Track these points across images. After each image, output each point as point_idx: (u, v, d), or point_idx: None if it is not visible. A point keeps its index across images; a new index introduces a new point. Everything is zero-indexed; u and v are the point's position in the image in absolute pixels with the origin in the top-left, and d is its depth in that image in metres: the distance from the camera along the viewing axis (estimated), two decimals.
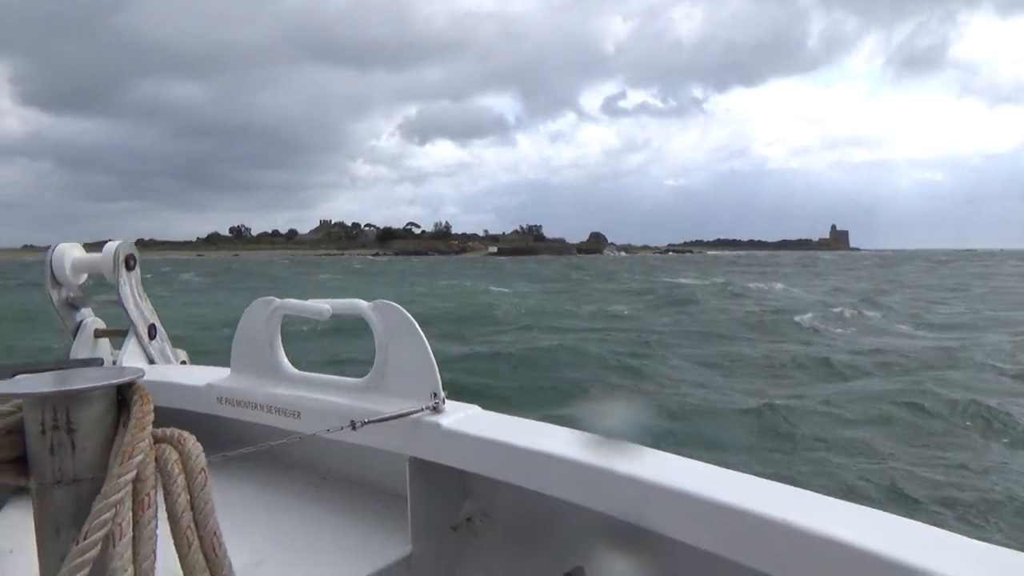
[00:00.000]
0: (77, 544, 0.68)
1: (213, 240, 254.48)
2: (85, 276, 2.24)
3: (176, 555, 0.76)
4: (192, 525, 0.77)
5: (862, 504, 1.02)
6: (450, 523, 1.56)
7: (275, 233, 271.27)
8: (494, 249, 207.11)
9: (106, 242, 2.24)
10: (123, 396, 0.79)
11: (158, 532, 0.74)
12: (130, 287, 2.20)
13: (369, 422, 1.36)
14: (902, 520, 0.97)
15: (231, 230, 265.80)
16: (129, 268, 2.20)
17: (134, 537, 0.71)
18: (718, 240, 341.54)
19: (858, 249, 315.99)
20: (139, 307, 2.22)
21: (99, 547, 0.68)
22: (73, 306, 2.23)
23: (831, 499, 1.05)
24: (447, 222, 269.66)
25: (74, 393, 0.73)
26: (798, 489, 1.09)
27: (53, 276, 2.18)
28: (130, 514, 0.72)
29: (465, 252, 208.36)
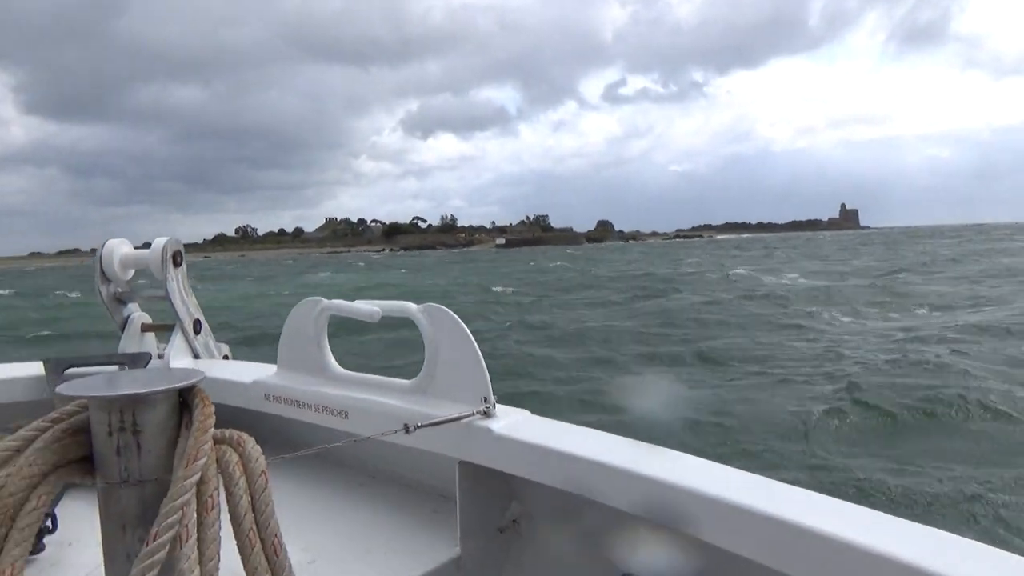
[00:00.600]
0: (147, 545, 0.70)
1: (220, 241, 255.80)
2: (133, 272, 2.27)
3: (238, 556, 0.78)
4: (254, 527, 0.78)
5: (902, 517, 1.03)
6: (496, 525, 1.57)
7: (281, 232, 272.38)
8: (502, 241, 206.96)
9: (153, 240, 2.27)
10: (184, 398, 0.81)
11: (220, 534, 0.76)
12: (177, 282, 2.22)
13: (422, 426, 1.38)
14: (939, 532, 0.99)
15: (237, 231, 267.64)
16: (176, 264, 2.22)
17: (199, 538, 0.73)
18: (727, 224, 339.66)
19: (868, 228, 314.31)
20: (185, 302, 2.24)
21: (167, 548, 0.70)
22: (121, 301, 2.26)
23: (870, 510, 1.06)
24: (453, 215, 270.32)
25: (140, 396, 0.75)
26: (836, 499, 1.11)
27: (102, 271, 2.21)
28: (195, 516, 0.73)
29: (473, 245, 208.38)
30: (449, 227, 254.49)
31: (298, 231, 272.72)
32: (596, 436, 1.43)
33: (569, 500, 1.35)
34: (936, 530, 0.99)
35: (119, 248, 2.23)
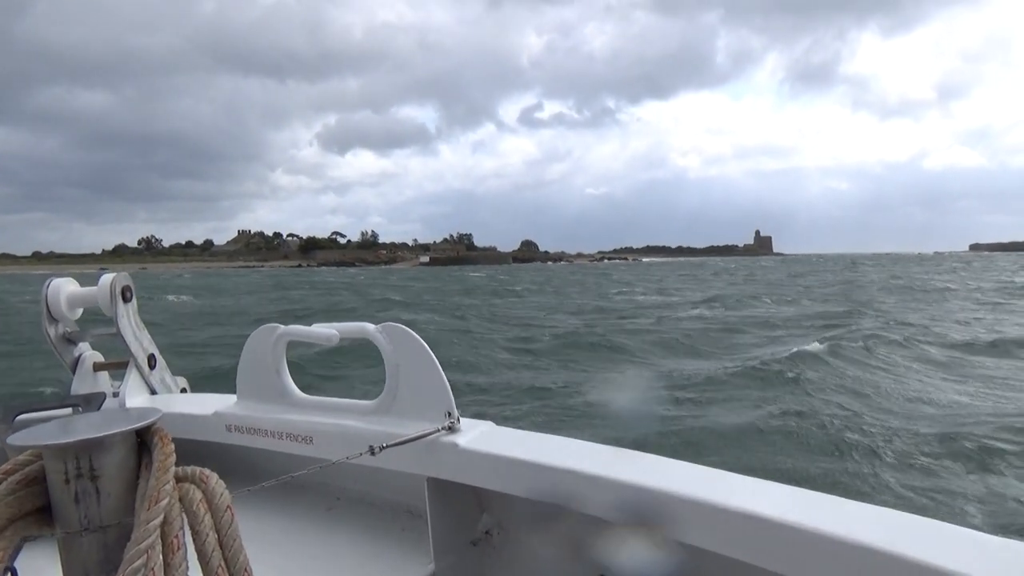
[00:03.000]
0: None
1: (120, 252, 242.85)
2: (81, 310, 2.25)
3: None
4: (223, 563, 0.78)
5: (875, 504, 1.09)
6: (469, 538, 1.61)
7: (189, 244, 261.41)
8: (426, 259, 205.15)
9: (101, 274, 2.27)
10: (142, 438, 0.80)
11: (189, 573, 0.76)
12: (128, 318, 2.20)
13: (388, 446, 1.40)
14: (914, 517, 1.03)
15: (140, 241, 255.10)
16: (126, 300, 2.21)
17: None
18: (648, 247, 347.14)
19: (783, 254, 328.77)
20: (138, 338, 2.22)
21: None
22: (70, 341, 2.23)
23: (840, 499, 1.11)
24: (374, 231, 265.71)
25: (96, 441, 0.74)
26: (804, 490, 1.16)
27: (49, 312, 2.18)
28: (160, 558, 0.73)
29: (395, 262, 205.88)
30: (370, 243, 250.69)
31: (208, 243, 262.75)
32: (562, 443, 1.47)
33: (540, 509, 1.38)
34: (917, 516, 1.03)
35: (65, 287, 2.20)
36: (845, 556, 0.98)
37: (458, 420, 1.53)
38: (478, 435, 1.51)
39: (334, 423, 1.67)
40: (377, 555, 1.61)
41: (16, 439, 0.75)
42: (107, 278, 2.21)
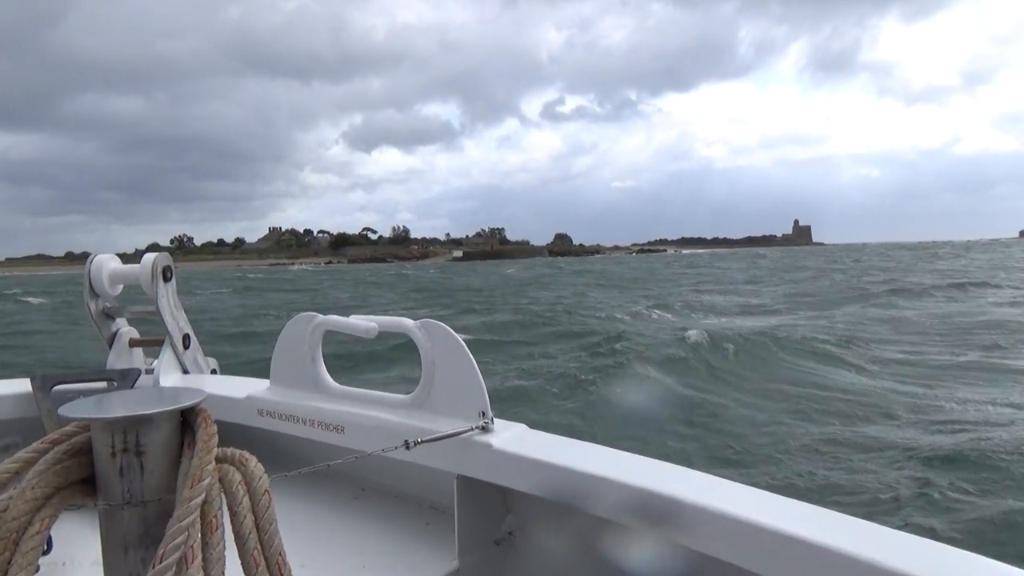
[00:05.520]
0: (153, 567, 0.72)
1: (152, 251, 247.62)
2: (121, 287, 2.34)
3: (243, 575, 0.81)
4: (258, 546, 0.81)
5: (882, 524, 1.10)
6: (493, 537, 1.64)
7: (220, 243, 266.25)
8: (459, 253, 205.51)
9: (144, 252, 2.36)
10: (184, 417, 0.84)
11: (225, 553, 0.79)
12: (167, 298, 2.29)
13: (423, 441, 1.43)
14: (912, 537, 1.05)
15: (173, 240, 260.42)
16: (166, 279, 2.29)
17: (204, 559, 0.75)
18: (682, 238, 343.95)
19: (823, 244, 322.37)
20: (175, 317, 2.31)
21: (173, 570, 0.72)
22: (109, 316, 2.33)
23: (851, 518, 1.13)
24: (405, 226, 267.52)
25: (144, 417, 0.78)
26: (818, 507, 1.18)
27: (91, 287, 2.27)
28: (199, 536, 0.76)
29: (427, 258, 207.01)
30: (401, 239, 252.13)
31: (239, 241, 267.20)
32: (591, 449, 1.51)
33: (563, 511, 1.42)
34: (917, 538, 1.05)
35: (108, 263, 2.30)
36: (851, 573, 0.99)
37: (492, 420, 1.55)
38: (511, 436, 1.54)
39: (367, 414, 1.71)
40: (401, 548, 1.65)
41: (67, 410, 0.78)
42: (149, 257, 2.30)
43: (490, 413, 1.55)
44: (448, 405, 1.60)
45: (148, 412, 0.79)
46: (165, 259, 2.32)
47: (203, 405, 0.86)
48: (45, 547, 1.59)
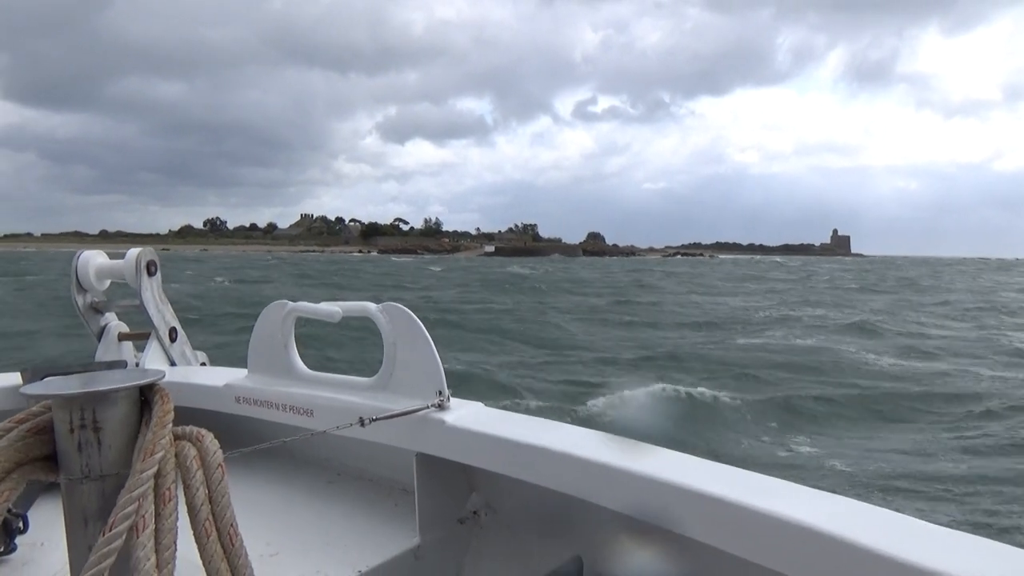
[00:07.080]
0: (104, 535, 0.76)
1: (184, 233, 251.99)
2: (108, 282, 2.44)
3: (195, 546, 0.85)
4: (210, 517, 0.85)
5: (881, 506, 1.09)
6: (456, 516, 1.71)
7: (252, 227, 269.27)
8: (491, 248, 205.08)
9: (127, 250, 2.46)
10: (145, 396, 0.88)
11: (179, 524, 0.83)
12: (151, 292, 2.39)
13: (377, 419, 1.51)
14: (920, 523, 1.05)
15: (206, 223, 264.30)
16: (150, 273, 2.40)
17: (156, 528, 0.79)
18: (717, 243, 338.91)
19: (861, 255, 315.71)
20: (160, 311, 2.41)
21: (124, 537, 0.77)
22: (97, 311, 2.43)
23: (840, 497, 1.14)
24: (437, 219, 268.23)
25: (100, 394, 0.82)
26: (795, 484, 1.20)
27: (78, 282, 2.38)
28: (152, 507, 0.80)
29: (458, 251, 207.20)
30: (433, 231, 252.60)
31: (271, 226, 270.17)
32: (549, 425, 1.57)
33: (528, 490, 1.46)
34: (925, 522, 1.05)
35: (94, 259, 2.41)
36: (853, 560, 0.98)
37: (448, 398, 1.63)
38: (466, 414, 1.62)
39: (334, 397, 1.79)
40: (369, 527, 1.73)
41: (29, 389, 0.84)
42: (133, 252, 2.40)
43: (447, 392, 1.63)
44: (408, 385, 1.68)
45: (104, 388, 0.82)
46: (149, 254, 2.42)
47: (160, 384, 0.90)
48: (22, 527, 1.71)
